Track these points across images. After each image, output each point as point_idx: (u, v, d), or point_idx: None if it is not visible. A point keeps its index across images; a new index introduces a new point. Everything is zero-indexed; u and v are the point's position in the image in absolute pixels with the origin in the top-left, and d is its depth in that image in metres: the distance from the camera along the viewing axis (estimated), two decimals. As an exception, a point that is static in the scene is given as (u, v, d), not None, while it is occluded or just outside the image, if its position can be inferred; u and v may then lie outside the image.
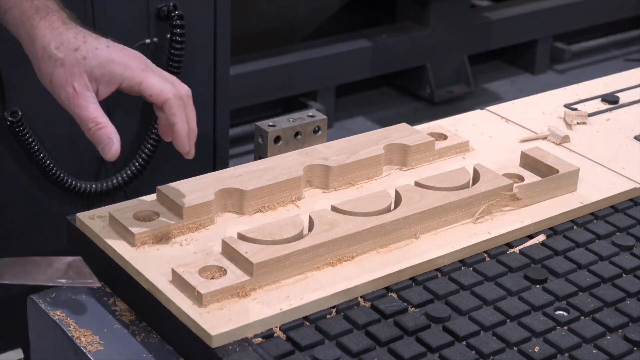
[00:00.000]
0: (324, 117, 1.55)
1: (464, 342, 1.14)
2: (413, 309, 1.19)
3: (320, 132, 1.54)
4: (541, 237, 1.34)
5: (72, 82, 1.23)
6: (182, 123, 1.24)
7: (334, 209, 1.29)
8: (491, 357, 1.12)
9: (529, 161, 1.44)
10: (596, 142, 1.58)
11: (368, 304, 1.19)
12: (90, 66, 1.24)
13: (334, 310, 1.18)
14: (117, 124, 2.12)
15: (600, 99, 1.74)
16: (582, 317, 1.19)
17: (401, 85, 4.00)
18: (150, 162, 2.16)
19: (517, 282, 1.24)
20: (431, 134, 1.53)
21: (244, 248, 1.19)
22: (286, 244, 1.21)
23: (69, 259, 1.24)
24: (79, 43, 1.25)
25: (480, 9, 4.17)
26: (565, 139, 1.58)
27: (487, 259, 1.29)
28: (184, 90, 1.25)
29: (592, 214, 1.40)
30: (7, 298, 1.95)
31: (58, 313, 1.23)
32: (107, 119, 1.24)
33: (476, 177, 1.38)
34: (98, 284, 1.22)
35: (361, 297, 1.20)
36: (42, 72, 1.26)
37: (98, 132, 1.22)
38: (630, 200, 1.44)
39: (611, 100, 1.72)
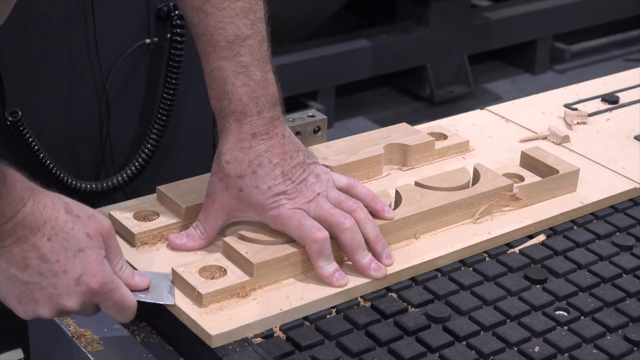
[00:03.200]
0: (324, 117, 1.55)
1: (464, 342, 1.14)
2: (413, 309, 1.19)
3: (320, 132, 1.54)
4: (541, 237, 1.34)
5: (214, 198, 1.23)
6: (356, 258, 1.20)
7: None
8: (491, 357, 1.12)
9: (529, 161, 1.44)
10: (596, 142, 1.58)
11: (368, 304, 1.19)
12: (239, 201, 1.21)
13: (334, 310, 1.18)
14: (117, 124, 2.14)
15: (600, 99, 1.74)
16: (582, 317, 1.19)
17: (401, 85, 4.00)
18: (150, 162, 2.16)
19: (517, 282, 1.24)
20: (431, 134, 1.53)
21: (244, 248, 1.19)
22: (286, 244, 1.21)
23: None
24: (246, 172, 1.20)
25: (480, 9, 4.17)
26: (565, 139, 1.58)
27: (487, 259, 1.29)
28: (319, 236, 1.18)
29: (592, 214, 1.40)
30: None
31: (58, 313, 1.23)
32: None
33: (476, 177, 1.38)
34: (173, 302, 1.16)
35: (361, 297, 1.20)
36: (212, 168, 1.24)
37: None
38: (630, 200, 1.44)
39: (611, 100, 1.72)
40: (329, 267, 1.19)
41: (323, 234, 1.18)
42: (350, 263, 1.22)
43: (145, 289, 1.15)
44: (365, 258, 1.20)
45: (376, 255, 1.22)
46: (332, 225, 1.20)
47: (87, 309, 1.10)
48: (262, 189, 1.20)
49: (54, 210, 1.06)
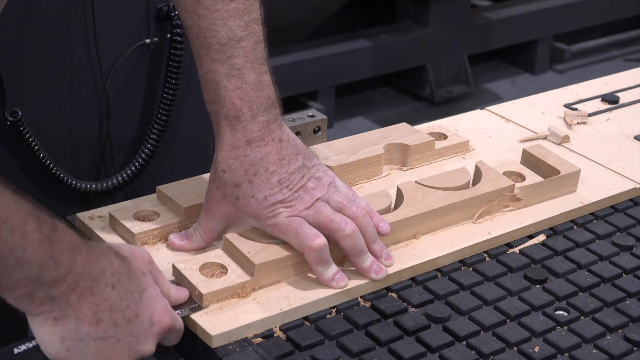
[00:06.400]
0: (324, 117, 1.54)
1: (464, 342, 1.14)
2: (413, 309, 1.19)
3: (320, 132, 1.54)
4: (541, 237, 1.34)
5: (212, 205, 1.22)
6: (357, 262, 1.20)
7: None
8: (491, 357, 1.12)
9: (530, 159, 1.44)
10: (596, 142, 1.58)
11: (368, 304, 1.19)
12: (236, 209, 1.20)
13: (334, 310, 1.18)
14: (117, 124, 2.13)
15: (600, 99, 1.74)
16: (582, 317, 1.19)
17: (401, 85, 4.00)
18: (150, 162, 2.16)
19: (517, 282, 1.24)
20: (431, 134, 1.53)
21: (245, 247, 1.19)
22: (288, 243, 1.21)
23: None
24: (242, 181, 1.19)
25: (480, 9, 4.17)
26: (565, 139, 1.58)
27: (487, 259, 1.29)
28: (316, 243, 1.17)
29: (592, 214, 1.40)
30: (7, 298, 1.95)
31: (58, 313, 1.23)
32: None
33: (477, 174, 1.38)
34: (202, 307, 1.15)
35: (361, 297, 1.20)
36: (210, 175, 1.23)
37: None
38: (630, 200, 1.44)
39: (611, 100, 1.72)
40: (329, 272, 1.19)
41: (320, 241, 1.17)
42: (350, 262, 1.22)
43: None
44: (367, 261, 1.20)
45: (375, 257, 1.22)
46: (333, 231, 1.18)
47: None
48: (259, 199, 1.18)
49: (107, 257, 1.02)
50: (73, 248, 0.97)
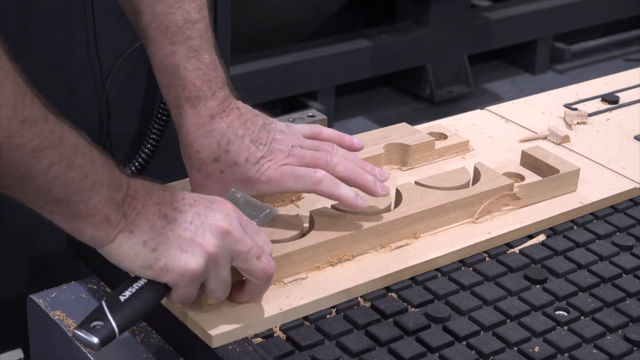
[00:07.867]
0: (324, 117, 1.54)
1: (464, 342, 1.14)
2: (413, 309, 1.19)
3: (320, 132, 1.54)
4: (541, 237, 1.34)
5: (201, 190, 1.23)
6: (357, 184, 1.24)
7: (334, 208, 1.29)
8: (491, 357, 1.12)
9: (529, 160, 1.44)
10: (596, 142, 1.58)
11: (368, 304, 1.19)
12: (225, 183, 1.22)
13: (334, 310, 1.18)
14: (117, 124, 2.14)
15: (600, 99, 1.74)
16: (582, 317, 1.19)
17: (401, 85, 4.00)
18: (150, 162, 2.16)
19: (517, 282, 1.24)
20: (431, 134, 1.53)
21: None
22: (286, 242, 1.21)
23: None
24: (219, 153, 1.21)
25: (480, 9, 4.17)
26: (565, 139, 1.58)
27: (487, 259, 1.29)
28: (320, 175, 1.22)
29: (592, 214, 1.40)
30: (7, 298, 1.95)
31: (58, 313, 1.23)
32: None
33: (477, 176, 1.38)
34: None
35: (361, 297, 1.20)
36: (185, 163, 1.25)
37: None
38: (630, 200, 1.44)
39: (611, 100, 1.72)
40: (349, 191, 1.22)
41: (322, 172, 1.21)
42: (349, 260, 1.23)
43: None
44: (370, 180, 1.24)
45: (372, 175, 1.26)
46: (322, 167, 1.22)
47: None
48: (241, 163, 1.21)
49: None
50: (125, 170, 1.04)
